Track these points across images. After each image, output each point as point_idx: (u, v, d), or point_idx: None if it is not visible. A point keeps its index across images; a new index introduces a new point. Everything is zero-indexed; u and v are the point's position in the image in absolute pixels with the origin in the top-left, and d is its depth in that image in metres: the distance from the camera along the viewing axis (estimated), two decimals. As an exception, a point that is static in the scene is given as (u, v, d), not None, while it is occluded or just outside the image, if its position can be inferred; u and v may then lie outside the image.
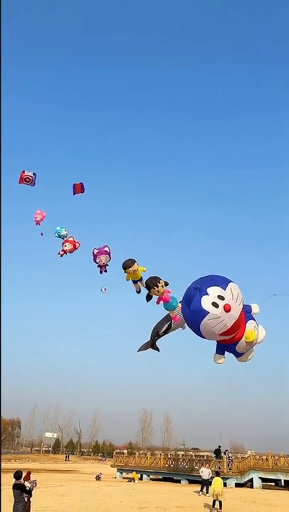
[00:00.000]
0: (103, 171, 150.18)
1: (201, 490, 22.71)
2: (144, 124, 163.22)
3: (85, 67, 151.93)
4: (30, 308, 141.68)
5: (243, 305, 13.86)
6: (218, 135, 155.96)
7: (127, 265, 13.21)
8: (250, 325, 13.90)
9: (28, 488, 11.11)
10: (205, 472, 23.04)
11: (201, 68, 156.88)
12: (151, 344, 14.88)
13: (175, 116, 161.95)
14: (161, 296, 13.17)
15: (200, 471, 23.96)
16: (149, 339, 14.75)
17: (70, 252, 14.65)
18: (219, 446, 32.87)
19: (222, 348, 14.46)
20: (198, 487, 26.34)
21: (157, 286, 13.08)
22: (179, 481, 31.82)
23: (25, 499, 10.93)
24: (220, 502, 16.77)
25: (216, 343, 14.87)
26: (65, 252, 14.59)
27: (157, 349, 15.11)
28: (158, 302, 13.60)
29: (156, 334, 14.93)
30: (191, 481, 30.70)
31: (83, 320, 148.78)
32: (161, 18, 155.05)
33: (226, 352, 13.61)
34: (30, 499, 11.38)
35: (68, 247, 14.50)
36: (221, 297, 13.04)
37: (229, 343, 13.97)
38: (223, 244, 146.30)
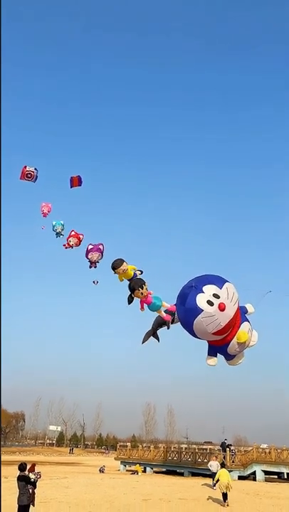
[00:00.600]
0: (103, 171, 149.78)
1: (214, 484, 22.44)
2: (143, 123, 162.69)
3: (85, 67, 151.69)
4: (33, 302, 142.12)
5: (239, 306, 14.06)
6: (218, 134, 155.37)
7: (116, 265, 13.32)
8: (244, 326, 14.11)
9: (32, 480, 11.19)
10: (214, 465, 22.91)
11: (201, 68, 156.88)
12: (153, 333, 15.01)
13: (175, 114, 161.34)
14: (144, 298, 13.32)
15: (208, 464, 23.83)
16: (151, 328, 14.85)
17: (77, 245, 14.56)
18: (225, 439, 33.42)
19: (214, 349, 14.64)
20: (202, 480, 26.49)
21: (142, 288, 13.21)
22: (182, 474, 32.01)
23: (30, 491, 11.02)
24: (225, 494, 16.53)
25: (208, 344, 15.04)
26: (71, 247, 14.53)
27: (157, 338, 15.24)
28: (142, 307, 13.74)
29: (159, 325, 15.04)
30: (194, 474, 30.89)
31: (87, 314, 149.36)
32: (161, 17, 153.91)
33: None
34: (35, 491, 11.47)
35: (73, 241, 14.35)
36: (216, 296, 13.15)
37: (221, 344, 14.10)
38: (221, 245, 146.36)
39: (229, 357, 15.79)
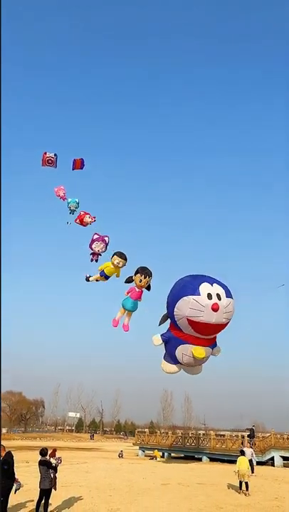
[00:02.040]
0: (102, 168, 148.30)
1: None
2: (143, 121, 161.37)
3: (85, 67, 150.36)
4: (52, 289, 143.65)
5: (215, 339, 14.21)
6: (217, 129, 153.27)
7: (119, 255, 13.15)
8: (208, 349, 14.26)
9: (53, 465, 11.42)
10: (247, 452, 21.52)
11: (200, 64, 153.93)
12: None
13: (175, 111, 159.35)
14: (138, 288, 13.26)
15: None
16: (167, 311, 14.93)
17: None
18: (253, 426, 33.60)
19: (167, 335, 14.65)
20: (219, 465, 26.69)
21: (145, 277, 13.12)
22: (200, 459, 32.28)
23: (52, 475, 11.25)
24: (246, 483, 15.90)
25: (169, 328, 15.11)
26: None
27: None
28: (127, 292, 13.66)
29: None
30: (212, 459, 31.14)
31: (104, 300, 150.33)
32: (162, 16, 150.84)
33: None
34: (56, 475, 11.71)
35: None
36: (219, 296, 13.21)
37: (179, 337, 14.09)
38: (225, 241, 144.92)
39: (169, 357, 15.79)
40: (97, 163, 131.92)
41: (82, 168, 14.69)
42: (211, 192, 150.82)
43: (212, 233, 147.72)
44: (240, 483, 16.10)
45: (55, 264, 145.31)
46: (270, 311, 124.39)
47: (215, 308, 12.77)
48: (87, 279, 13.71)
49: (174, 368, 14.63)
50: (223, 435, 38.33)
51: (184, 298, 13.29)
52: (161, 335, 14.50)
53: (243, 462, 16.40)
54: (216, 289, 13.15)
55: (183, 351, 14.13)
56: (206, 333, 13.64)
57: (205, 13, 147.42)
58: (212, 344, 14.19)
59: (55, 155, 14.09)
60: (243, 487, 15.91)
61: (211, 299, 12.80)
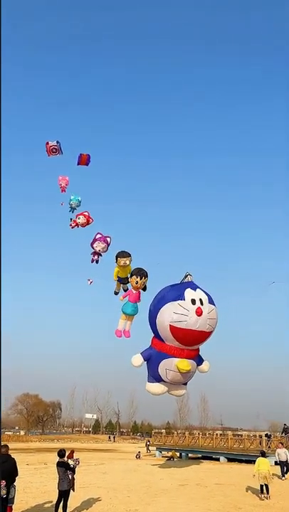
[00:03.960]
0: (101, 168, 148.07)
1: (282, 474, 20.11)
2: (143, 119, 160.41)
3: (85, 67, 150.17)
4: (64, 292, 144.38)
5: (199, 355, 14.00)
6: (217, 129, 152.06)
7: (121, 255, 13.25)
8: (193, 362, 14.07)
9: (71, 466, 11.49)
10: (282, 453, 20.41)
11: (200, 64, 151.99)
12: None
13: (175, 111, 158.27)
14: (135, 290, 13.27)
15: (276, 452, 21.18)
16: None
17: (83, 226, 14.61)
18: (285, 425, 33.26)
19: (148, 353, 14.54)
20: (237, 465, 26.50)
21: (141, 279, 13.12)
22: (218, 459, 32.12)
23: (70, 476, 11.31)
24: (266, 486, 14.70)
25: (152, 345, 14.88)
26: (77, 225, 14.54)
27: None
28: (124, 297, 13.67)
29: None
30: (230, 460, 30.96)
31: (117, 299, 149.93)
32: (162, 16, 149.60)
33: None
34: (74, 476, 11.77)
35: (82, 220, 14.53)
36: (201, 301, 13.11)
37: (160, 351, 14.01)
38: (224, 241, 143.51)
39: (152, 377, 15.56)
40: (97, 163, 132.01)
41: (87, 165, 14.71)
42: (211, 192, 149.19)
43: (212, 233, 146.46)
44: (261, 486, 14.88)
45: (68, 264, 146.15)
46: (283, 310, 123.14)
47: (199, 312, 12.80)
48: (116, 293, 14.16)
49: (159, 387, 14.57)
50: (241, 435, 38.07)
51: (169, 304, 13.33)
52: (141, 352, 14.45)
53: (263, 463, 15.10)
54: (199, 294, 13.28)
55: (166, 366, 14.09)
56: (189, 342, 13.64)
57: (205, 13, 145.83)
58: (195, 357, 14.16)
59: (57, 142, 14.08)
60: (264, 490, 14.81)
61: (195, 304, 12.89)
